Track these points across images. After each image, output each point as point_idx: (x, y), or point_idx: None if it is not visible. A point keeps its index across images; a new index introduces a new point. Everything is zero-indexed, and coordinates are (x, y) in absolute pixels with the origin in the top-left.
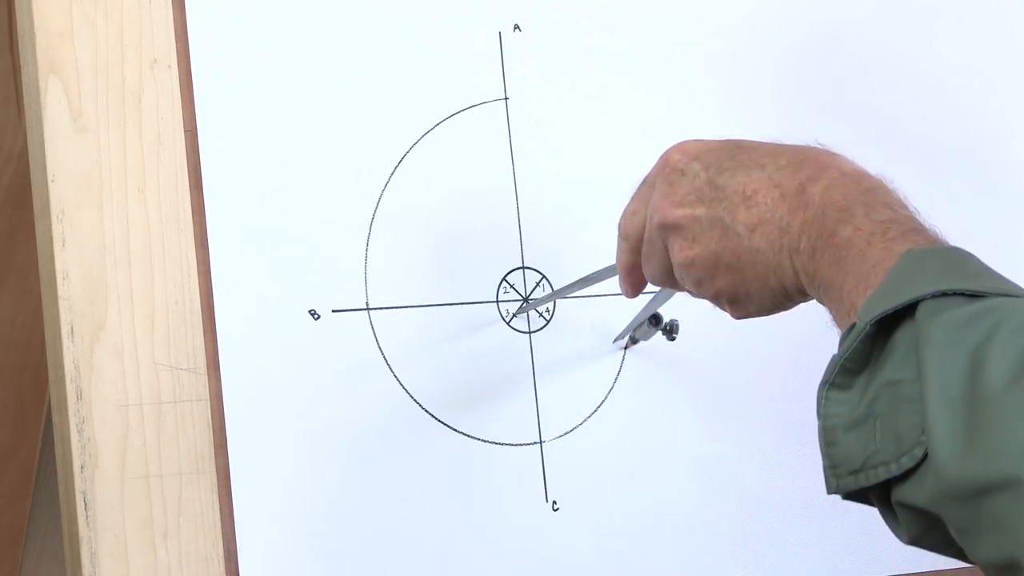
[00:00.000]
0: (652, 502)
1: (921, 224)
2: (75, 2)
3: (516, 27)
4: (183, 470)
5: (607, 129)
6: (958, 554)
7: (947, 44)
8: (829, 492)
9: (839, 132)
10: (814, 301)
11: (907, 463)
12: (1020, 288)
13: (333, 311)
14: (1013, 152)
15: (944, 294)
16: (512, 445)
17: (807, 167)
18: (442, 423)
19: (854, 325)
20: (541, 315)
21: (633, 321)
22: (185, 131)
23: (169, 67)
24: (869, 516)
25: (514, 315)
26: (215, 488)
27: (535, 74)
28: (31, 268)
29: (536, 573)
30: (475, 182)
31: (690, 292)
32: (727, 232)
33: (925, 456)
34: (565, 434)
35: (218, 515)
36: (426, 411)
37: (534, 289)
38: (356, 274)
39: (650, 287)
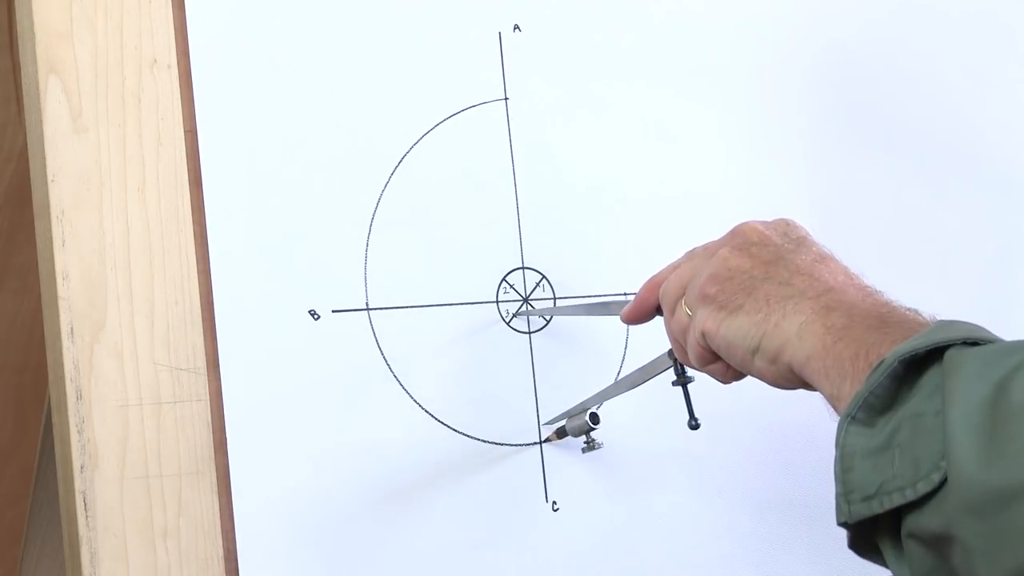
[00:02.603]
0: (652, 502)
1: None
2: (75, 2)
3: (516, 27)
4: (183, 470)
5: (607, 129)
6: None
7: (951, 46)
8: (839, 521)
9: (841, 133)
10: None
11: (924, 487)
12: None
13: (333, 311)
14: (1015, 152)
15: (975, 343)
16: (512, 445)
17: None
18: (442, 423)
19: (881, 362)
20: (541, 315)
21: (572, 410)
22: (185, 131)
23: (169, 67)
24: None
25: (514, 315)
26: (215, 488)
27: (535, 74)
28: (31, 268)
29: (536, 573)
30: (475, 182)
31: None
32: (775, 282)
33: (943, 482)
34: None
35: (218, 515)
36: (426, 411)
37: (534, 289)
38: (356, 274)
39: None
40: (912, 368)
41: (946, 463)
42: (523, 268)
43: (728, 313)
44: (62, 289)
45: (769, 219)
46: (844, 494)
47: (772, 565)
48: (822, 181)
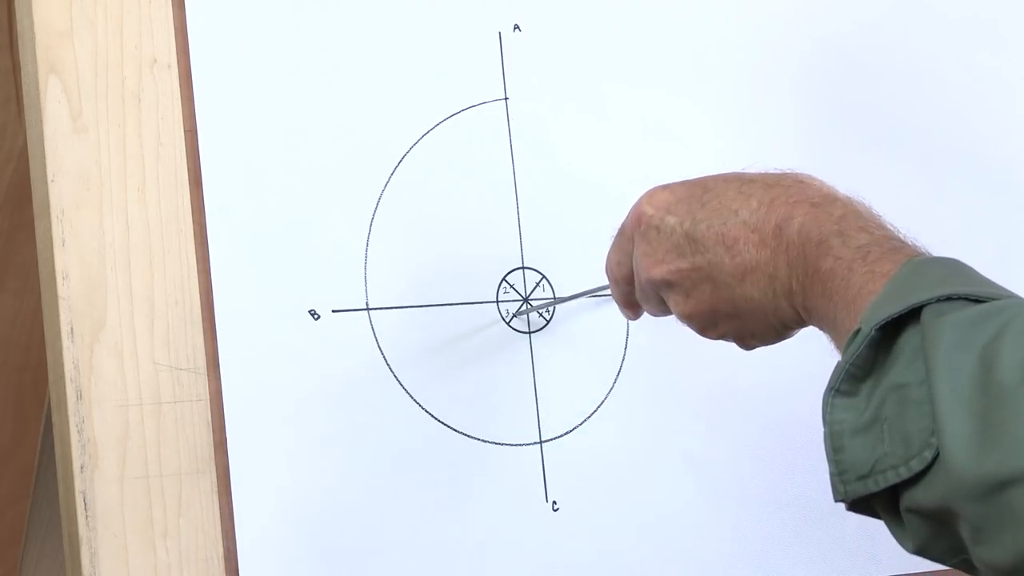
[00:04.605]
0: (652, 502)
1: (902, 240)
2: (75, 2)
3: (516, 27)
4: (183, 470)
5: (607, 129)
6: (963, 564)
7: (950, 45)
8: (836, 500)
9: (840, 132)
10: None
11: (917, 465)
12: (1020, 296)
13: (333, 311)
14: (1015, 152)
15: (948, 298)
16: (512, 445)
17: (778, 206)
18: (442, 423)
19: (858, 331)
20: (541, 315)
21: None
22: (185, 131)
23: (169, 67)
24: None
25: (514, 315)
26: (215, 488)
27: (535, 74)
28: (31, 268)
29: (536, 573)
30: (475, 182)
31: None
32: (717, 284)
33: (936, 457)
34: (565, 434)
35: (218, 515)
36: (426, 411)
37: (534, 289)
38: (356, 274)
39: None
40: (889, 330)
41: (937, 441)
42: (523, 268)
43: (695, 297)
44: (62, 289)
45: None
46: (838, 474)
47: (772, 565)
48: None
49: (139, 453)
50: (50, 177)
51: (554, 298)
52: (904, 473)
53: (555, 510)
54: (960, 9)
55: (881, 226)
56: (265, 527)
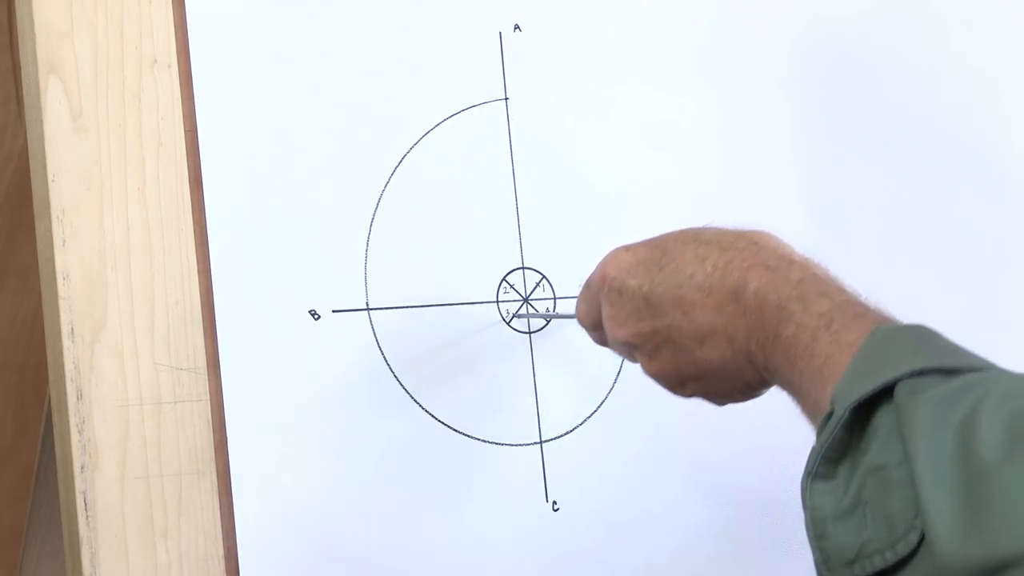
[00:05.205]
0: (652, 502)
1: (864, 305)
2: (75, 2)
3: (516, 27)
4: (183, 470)
5: (607, 129)
6: None
7: (948, 43)
8: None
9: (840, 132)
10: None
11: (903, 549)
12: (989, 363)
13: (333, 311)
14: (1013, 152)
15: (920, 372)
16: (512, 445)
17: (733, 270)
18: (442, 423)
19: (831, 413)
20: (541, 314)
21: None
22: (185, 131)
23: (169, 67)
24: None
25: (514, 315)
26: (215, 488)
27: (535, 74)
28: (31, 268)
29: (536, 573)
30: (475, 182)
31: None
32: (678, 347)
33: (921, 539)
34: (565, 434)
35: (218, 515)
36: (426, 411)
37: (534, 289)
38: (356, 274)
39: None
40: (862, 409)
41: (921, 523)
42: (523, 268)
43: (658, 358)
44: (62, 289)
45: (639, 245)
46: (823, 561)
47: (772, 565)
48: (823, 181)
49: (139, 453)
50: (50, 177)
51: (551, 313)
52: (890, 558)
53: (555, 510)
54: (960, 7)
55: (841, 290)
56: (265, 527)
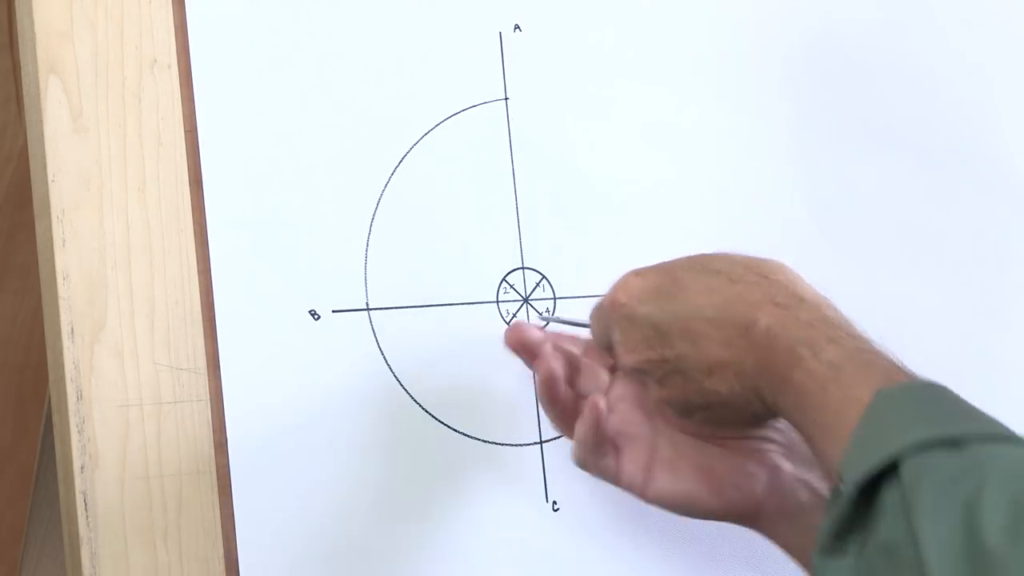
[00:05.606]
0: None
1: (873, 352)
2: (75, 2)
3: (516, 27)
4: (183, 470)
5: (607, 129)
6: None
7: (948, 43)
8: None
9: (841, 132)
10: None
11: None
12: (994, 422)
13: (333, 311)
14: (1011, 151)
15: (926, 446)
16: (512, 445)
17: (743, 305)
18: (442, 423)
19: (838, 491)
20: (541, 316)
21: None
22: (185, 131)
23: (169, 67)
24: None
25: (514, 315)
26: (215, 488)
27: (535, 74)
28: (31, 268)
29: (536, 573)
30: (475, 182)
31: None
32: (686, 377)
33: None
34: None
35: (218, 515)
36: (426, 411)
37: (534, 289)
38: (356, 274)
39: None
40: (868, 483)
41: None
42: (523, 268)
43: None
44: (62, 289)
45: (650, 273)
46: None
47: (772, 565)
48: (823, 181)
49: (139, 453)
50: (50, 177)
51: (549, 317)
52: None
53: (555, 510)
54: (959, 7)
55: (851, 334)
56: (265, 527)
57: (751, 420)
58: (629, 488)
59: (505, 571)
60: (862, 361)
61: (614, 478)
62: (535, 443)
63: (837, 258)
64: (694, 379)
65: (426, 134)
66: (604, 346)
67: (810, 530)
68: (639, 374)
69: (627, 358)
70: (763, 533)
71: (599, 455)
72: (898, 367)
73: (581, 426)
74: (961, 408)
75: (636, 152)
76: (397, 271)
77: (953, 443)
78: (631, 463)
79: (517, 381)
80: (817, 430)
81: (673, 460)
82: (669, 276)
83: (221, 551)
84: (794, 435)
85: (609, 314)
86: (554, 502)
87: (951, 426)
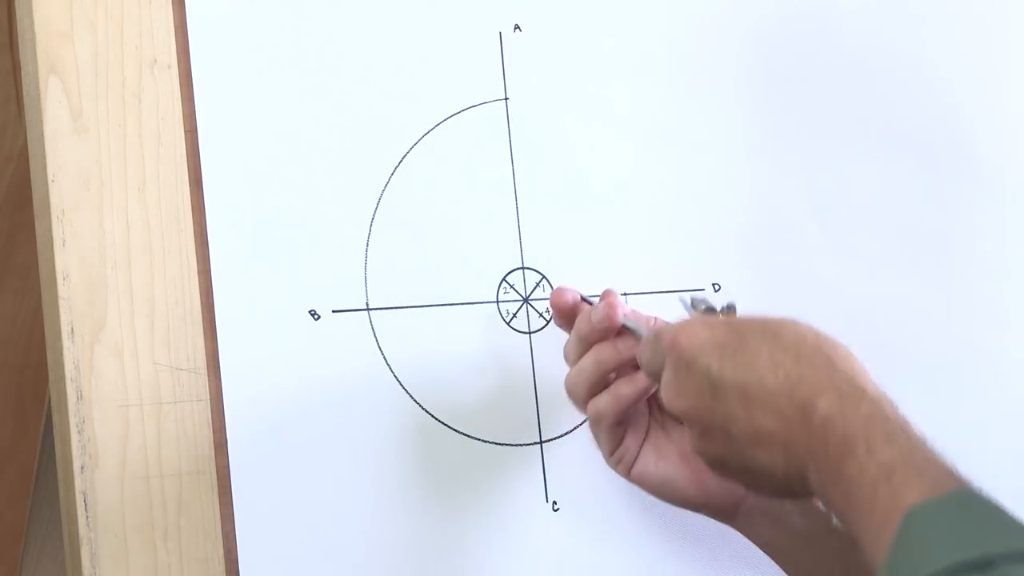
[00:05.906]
0: (652, 502)
1: (924, 455)
2: (75, 2)
3: (516, 27)
4: (183, 470)
5: (607, 129)
6: None
7: (943, 40)
8: None
9: (841, 132)
10: None
11: None
12: None
13: (333, 311)
14: (1011, 151)
15: (956, 571)
16: (512, 445)
17: (805, 386)
18: (442, 423)
19: None
20: (541, 315)
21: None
22: (185, 131)
23: (169, 67)
24: None
25: (514, 315)
26: (215, 488)
27: (535, 74)
28: (31, 268)
29: (536, 573)
30: (475, 182)
31: None
32: (730, 437)
33: None
34: (565, 434)
35: (218, 515)
36: (426, 411)
37: (534, 289)
38: (356, 274)
39: None
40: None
41: None
42: (523, 268)
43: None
44: (62, 289)
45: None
46: None
47: (772, 566)
48: (824, 181)
49: (139, 453)
50: (50, 177)
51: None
52: None
53: (555, 510)
54: (959, 8)
55: (906, 432)
56: (265, 527)
57: (782, 493)
58: (616, 461)
59: (505, 571)
60: (914, 466)
61: (607, 449)
62: (535, 443)
63: (837, 258)
64: (737, 441)
65: (426, 134)
66: (648, 374)
67: (791, 530)
68: (683, 417)
69: (675, 401)
70: (738, 529)
71: (612, 426)
72: (948, 471)
73: (609, 401)
74: (995, 522)
75: (636, 152)
76: (397, 271)
77: (983, 566)
78: (627, 438)
79: (517, 381)
80: (863, 532)
81: (661, 444)
82: (738, 336)
83: (221, 551)
84: None
85: (667, 351)
86: (554, 502)
87: (982, 545)
